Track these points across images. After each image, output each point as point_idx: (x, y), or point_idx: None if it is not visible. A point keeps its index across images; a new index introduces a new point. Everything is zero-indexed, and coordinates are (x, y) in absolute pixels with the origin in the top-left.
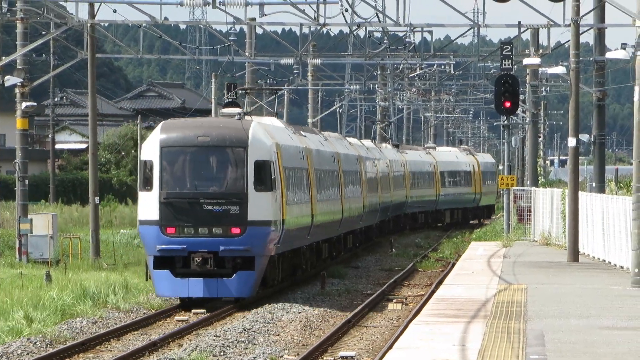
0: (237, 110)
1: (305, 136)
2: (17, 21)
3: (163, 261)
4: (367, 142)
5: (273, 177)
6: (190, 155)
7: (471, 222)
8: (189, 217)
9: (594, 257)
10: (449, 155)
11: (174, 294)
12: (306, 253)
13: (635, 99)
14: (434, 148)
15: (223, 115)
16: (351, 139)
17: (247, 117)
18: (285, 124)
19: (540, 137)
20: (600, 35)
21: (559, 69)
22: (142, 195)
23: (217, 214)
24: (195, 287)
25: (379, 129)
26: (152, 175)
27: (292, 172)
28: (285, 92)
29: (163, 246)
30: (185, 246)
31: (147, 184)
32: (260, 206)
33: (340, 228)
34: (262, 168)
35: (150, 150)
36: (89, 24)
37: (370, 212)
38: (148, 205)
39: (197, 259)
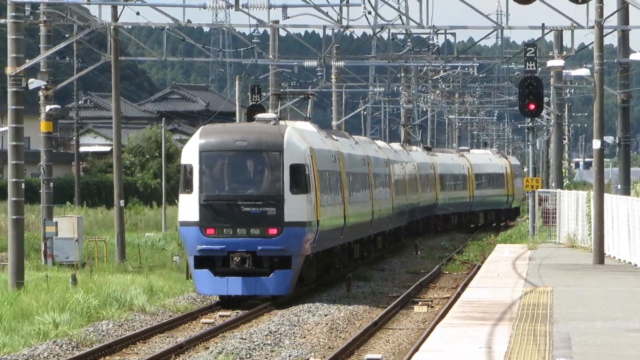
0: (272, 115)
1: (337, 140)
2: (41, 24)
3: (203, 261)
4: (395, 145)
5: (308, 180)
6: (229, 159)
7: (502, 224)
8: (228, 218)
9: (619, 260)
10: (483, 158)
11: (214, 292)
12: (339, 253)
13: None
14: (468, 150)
15: (258, 120)
16: (380, 142)
17: (281, 122)
18: (317, 128)
19: (564, 139)
20: (624, 37)
21: (583, 71)
22: (183, 198)
23: (254, 216)
24: (234, 285)
25: (408, 132)
26: (192, 179)
27: (326, 175)
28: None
29: (203, 246)
30: (224, 246)
31: (188, 187)
32: (296, 208)
33: (370, 229)
34: (298, 171)
35: (190, 154)
36: (112, 27)
37: (399, 214)
38: (188, 207)
39: (236, 258)
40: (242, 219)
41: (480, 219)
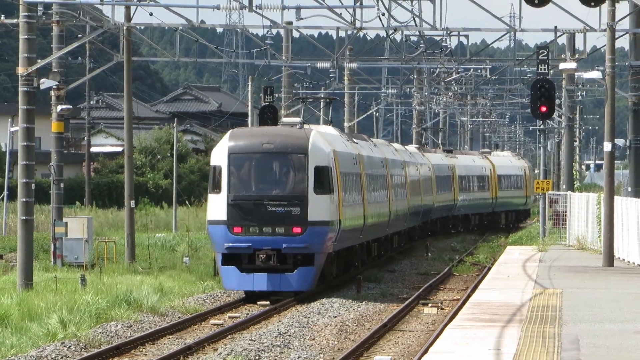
0: (297, 119)
1: (357, 143)
2: (53, 24)
3: (230, 258)
4: (411, 148)
5: (331, 181)
6: (256, 161)
7: (521, 224)
8: (254, 217)
9: (629, 262)
10: (504, 160)
11: (240, 288)
12: (358, 251)
13: None
14: (490, 153)
15: (284, 125)
16: (396, 145)
17: (306, 126)
18: (339, 131)
19: (576, 141)
20: (635, 40)
21: (595, 74)
22: (212, 198)
23: (280, 215)
24: (259, 281)
25: (420, 133)
26: (221, 179)
27: (347, 177)
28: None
29: (230, 244)
30: (250, 244)
31: (216, 187)
32: (320, 208)
33: (388, 229)
34: (322, 173)
35: (219, 156)
36: (125, 27)
37: (414, 214)
38: (217, 206)
39: (261, 255)
40: (268, 218)
41: (502, 220)
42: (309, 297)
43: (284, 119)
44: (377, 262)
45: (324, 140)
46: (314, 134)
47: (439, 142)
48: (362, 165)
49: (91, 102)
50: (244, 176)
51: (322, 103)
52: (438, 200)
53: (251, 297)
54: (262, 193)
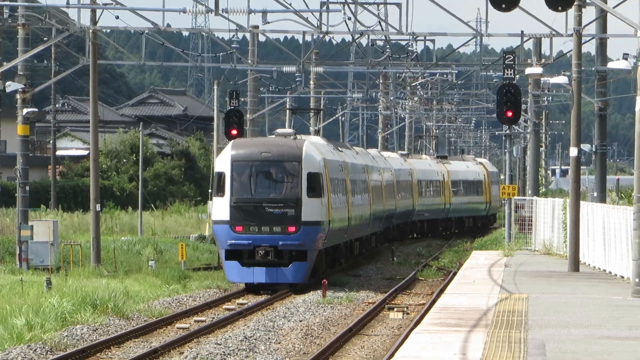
0: (290, 130)
1: (342, 151)
2: (19, 27)
3: (233, 253)
4: (390, 154)
5: (322, 186)
6: (256, 167)
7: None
8: (254, 218)
9: (594, 267)
10: (460, 165)
11: (242, 280)
12: (344, 249)
13: (637, 109)
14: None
15: (278, 135)
16: (372, 151)
17: (298, 137)
18: (326, 140)
19: (541, 146)
20: (602, 46)
21: (561, 79)
22: (216, 200)
23: (277, 216)
24: (258, 274)
25: (386, 138)
26: (225, 184)
27: (335, 182)
28: (287, 100)
29: (233, 241)
30: (250, 241)
31: (220, 191)
32: (312, 209)
33: (368, 229)
34: (314, 179)
35: (222, 163)
36: (90, 30)
37: (388, 217)
38: (221, 208)
39: (260, 251)
40: (266, 218)
41: (454, 226)
42: (301, 289)
43: (279, 130)
44: (344, 266)
45: (316, 149)
46: (306, 144)
47: (433, 148)
48: (347, 172)
49: (57, 105)
50: (245, 181)
51: (318, 116)
52: (408, 204)
53: (250, 288)
54: (261, 196)
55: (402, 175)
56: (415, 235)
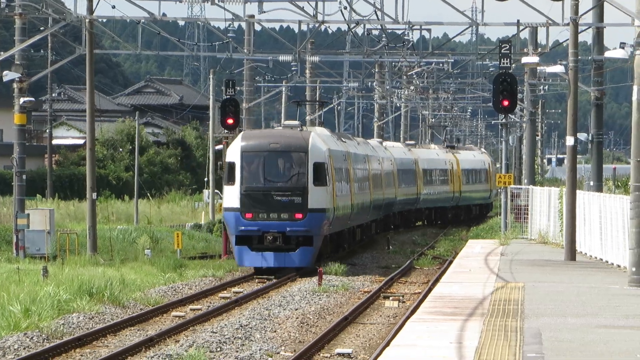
0: (296, 122)
1: (345, 142)
2: (16, 16)
3: (243, 239)
4: (395, 144)
5: (327, 175)
6: (264, 158)
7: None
8: (263, 205)
9: (591, 256)
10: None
11: (251, 264)
12: (347, 235)
13: (634, 98)
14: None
15: (285, 127)
16: (373, 141)
17: (305, 128)
18: (330, 132)
19: (537, 135)
20: (598, 35)
21: (558, 68)
22: (227, 189)
23: (284, 203)
24: (267, 258)
25: (382, 127)
26: (235, 173)
27: (339, 171)
28: (283, 89)
29: (243, 227)
30: (259, 228)
31: (231, 180)
32: (318, 197)
33: (368, 216)
34: (319, 168)
35: (233, 153)
36: (87, 20)
37: (388, 205)
38: (231, 196)
39: (269, 237)
40: (274, 205)
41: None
42: (308, 272)
43: (285, 122)
44: (361, 244)
45: (321, 140)
46: (312, 135)
47: (443, 138)
48: (350, 161)
49: (53, 95)
50: (254, 171)
51: (316, 105)
52: (414, 192)
53: (259, 271)
54: (269, 185)
55: (404, 165)
56: (424, 223)
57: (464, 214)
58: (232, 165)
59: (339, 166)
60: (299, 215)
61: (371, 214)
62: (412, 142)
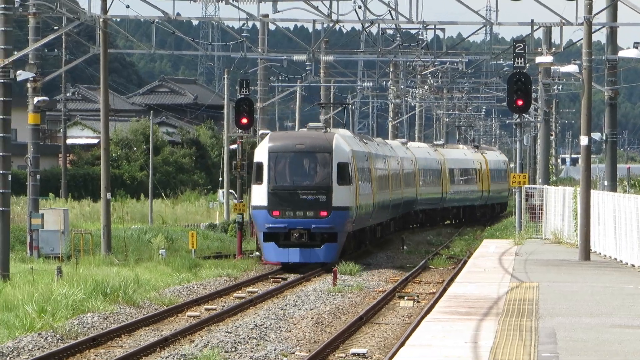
0: (321, 124)
1: (366, 143)
2: (30, 16)
3: (270, 236)
4: (420, 144)
5: (350, 174)
6: (291, 158)
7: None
8: (290, 203)
9: (605, 256)
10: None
11: (278, 260)
12: (368, 232)
13: None
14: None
15: (310, 128)
16: (395, 142)
17: (329, 130)
18: (352, 133)
19: (552, 135)
20: (612, 34)
21: (571, 68)
22: (255, 187)
23: (310, 202)
24: (293, 254)
25: (396, 126)
26: (263, 173)
27: (361, 171)
28: (297, 89)
29: (270, 225)
30: (286, 225)
31: (259, 179)
32: (342, 196)
33: (388, 214)
34: (343, 168)
35: (261, 154)
36: (101, 19)
37: (407, 203)
38: (259, 194)
39: (295, 234)
40: (300, 204)
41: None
42: (330, 268)
43: (311, 124)
44: (381, 242)
45: (344, 141)
46: (336, 136)
47: (471, 138)
48: (371, 162)
49: (67, 94)
50: (281, 170)
51: (344, 109)
52: (437, 191)
53: (285, 267)
54: (295, 184)
55: (428, 164)
56: (452, 221)
57: (489, 212)
58: (259, 165)
59: (361, 166)
60: (323, 213)
61: (390, 212)
62: (441, 142)
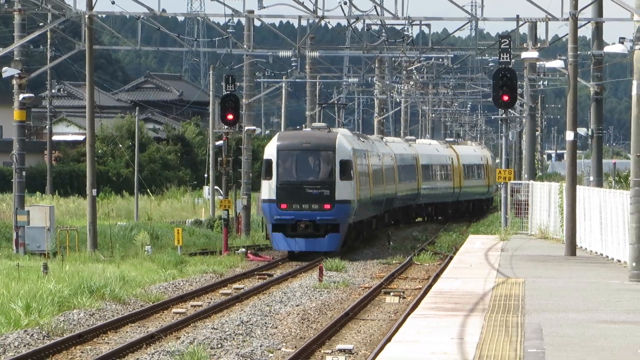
0: (323, 124)
1: (363, 141)
2: (15, 12)
3: (278, 227)
4: (433, 141)
5: (351, 171)
6: (297, 155)
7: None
8: (296, 197)
9: (591, 251)
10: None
11: (286, 248)
12: (366, 224)
13: (634, 92)
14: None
15: (313, 128)
16: (390, 139)
17: (332, 130)
18: (351, 132)
19: (537, 130)
20: (598, 29)
21: (557, 63)
22: (264, 183)
23: (315, 195)
24: (300, 244)
25: (382, 122)
26: (272, 169)
27: (361, 167)
28: (283, 85)
29: (278, 217)
30: (293, 217)
31: (268, 175)
32: (344, 190)
33: (382, 208)
34: (345, 165)
35: (270, 151)
36: (86, 16)
37: (412, 197)
38: (268, 189)
39: (301, 225)
40: (306, 197)
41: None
42: (332, 256)
43: (314, 124)
44: (376, 233)
45: (346, 140)
46: (339, 136)
47: (474, 135)
48: (368, 159)
49: (53, 91)
50: (288, 167)
51: (343, 110)
52: (413, 187)
53: (292, 255)
54: (302, 179)
55: (439, 160)
56: (465, 214)
57: (463, 210)
58: (269, 162)
59: (360, 163)
60: (327, 206)
61: (384, 205)
62: (452, 139)
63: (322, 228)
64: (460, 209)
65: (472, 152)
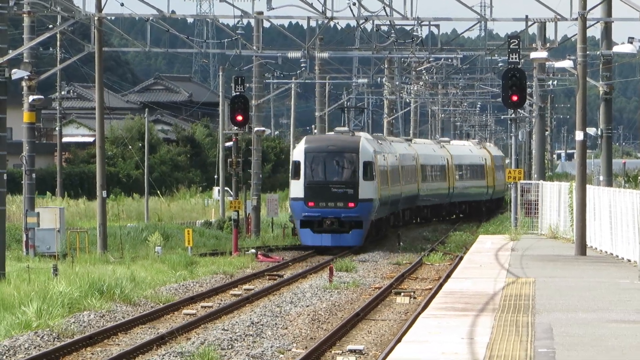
0: (346, 129)
1: (381, 143)
2: (24, 14)
3: (306, 223)
4: (461, 142)
5: (373, 171)
6: (324, 157)
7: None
8: (322, 195)
9: (601, 251)
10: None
11: (313, 243)
12: (385, 220)
13: None
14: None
15: (337, 132)
16: (391, 138)
17: (356, 133)
18: (372, 135)
19: (547, 130)
20: (607, 29)
21: (566, 63)
22: (293, 182)
23: (340, 194)
24: (326, 239)
25: (391, 123)
26: (300, 170)
27: (381, 168)
28: (292, 86)
29: (306, 214)
30: (320, 214)
31: (296, 175)
32: (366, 190)
33: (399, 206)
34: (368, 166)
35: (298, 153)
36: (96, 18)
37: (409, 197)
38: (297, 188)
39: (327, 222)
40: (331, 196)
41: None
42: (357, 251)
43: (338, 128)
44: (386, 233)
45: (368, 143)
46: (362, 139)
47: (488, 137)
48: (387, 159)
49: (62, 93)
50: (315, 168)
51: (364, 114)
52: (442, 186)
53: (318, 250)
54: (328, 179)
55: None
56: (458, 215)
57: (456, 211)
58: (297, 164)
59: (381, 163)
60: (351, 204)
61: (401, 204)
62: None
63: (347, 224)
64: (452, 210)
65: (467, 152)
